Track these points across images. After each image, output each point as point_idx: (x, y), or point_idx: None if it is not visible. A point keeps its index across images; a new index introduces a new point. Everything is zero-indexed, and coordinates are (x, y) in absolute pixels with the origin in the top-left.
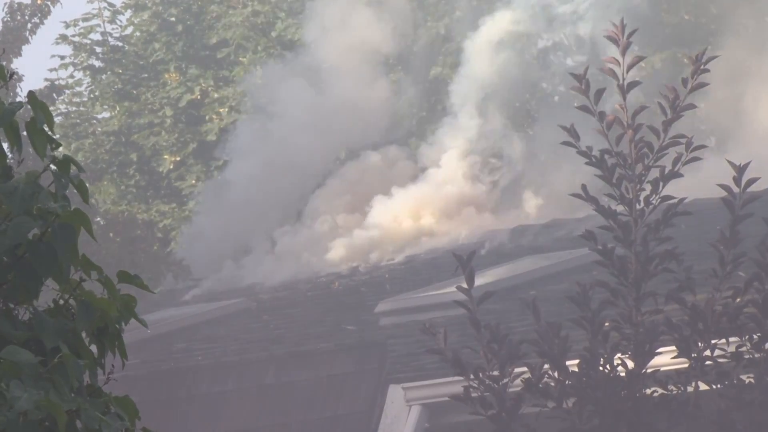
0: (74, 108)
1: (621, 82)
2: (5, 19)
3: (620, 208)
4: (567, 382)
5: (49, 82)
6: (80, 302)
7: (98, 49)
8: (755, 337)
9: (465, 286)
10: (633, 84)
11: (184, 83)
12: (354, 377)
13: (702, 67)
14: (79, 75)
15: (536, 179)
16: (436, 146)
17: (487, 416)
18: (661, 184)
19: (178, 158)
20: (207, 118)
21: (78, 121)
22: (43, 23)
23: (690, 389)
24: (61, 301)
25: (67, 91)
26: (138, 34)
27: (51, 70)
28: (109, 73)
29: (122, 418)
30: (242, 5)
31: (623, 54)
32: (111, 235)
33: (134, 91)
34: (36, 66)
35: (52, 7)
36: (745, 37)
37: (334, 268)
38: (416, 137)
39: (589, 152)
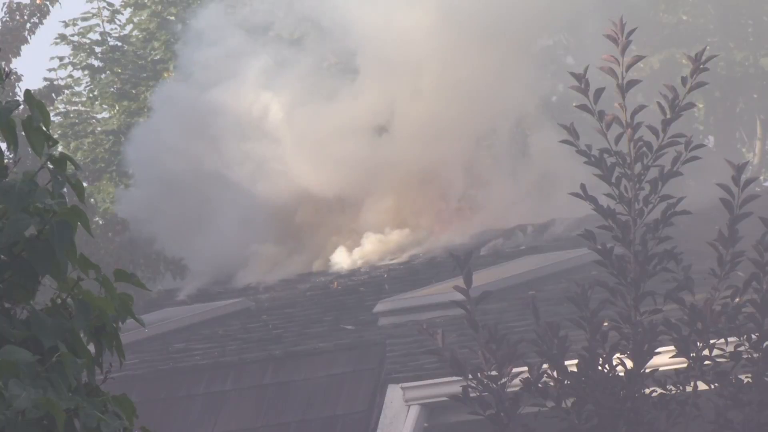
0: (73, 108)
1: (620, 81)
2: (4, 19)
3: (619, 208)
4: (566, 382)
5: (48, 82)
6: (78, 301)
7: (97, 49)
8: (754, 336)
9: (463, 286)
10: (632, 83)
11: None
12: (353, 377)
13: (701, 66)
14: (78, 74)
15: None
16: None
17: (485, 416)
18: (660, 183)
19: None
20: None
21: (77, 120)
22: (42, 23)
23: (689, 389)
24: (59, 300)
25: (66, 91)
26: (137, 33)
27: (50, 70)
28: (108, 72)
29: (120, 417)
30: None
31: (622, 53)
32: (110, 235)
33: (133, 91)
34: (35, 66)
35: (51, 7)
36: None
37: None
38: None
39: (588, 151)
